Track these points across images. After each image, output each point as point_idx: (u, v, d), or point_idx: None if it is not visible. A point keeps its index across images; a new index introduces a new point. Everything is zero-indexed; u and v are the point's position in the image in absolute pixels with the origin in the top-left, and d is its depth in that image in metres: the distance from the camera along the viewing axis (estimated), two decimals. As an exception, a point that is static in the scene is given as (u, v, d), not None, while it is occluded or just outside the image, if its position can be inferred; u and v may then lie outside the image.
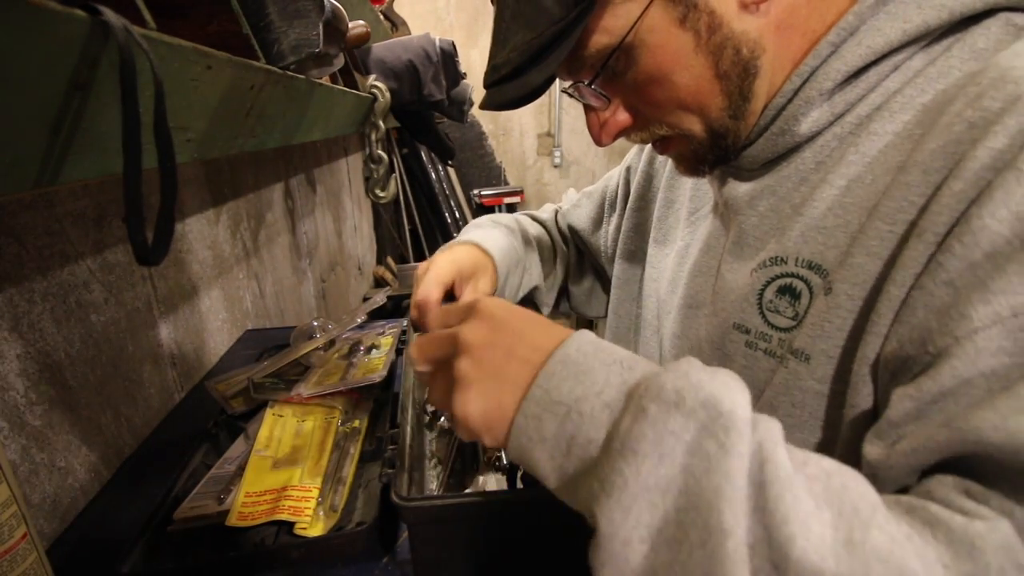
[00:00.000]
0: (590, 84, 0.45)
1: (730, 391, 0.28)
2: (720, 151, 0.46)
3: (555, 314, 0.82)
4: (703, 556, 0.25)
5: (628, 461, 0.28)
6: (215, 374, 0.88)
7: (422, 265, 0.63)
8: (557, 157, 3.66)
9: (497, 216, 0.78)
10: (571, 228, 0.82)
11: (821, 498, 0.27)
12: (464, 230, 0.73)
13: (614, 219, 0.74)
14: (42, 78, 0.24)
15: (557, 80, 0.46)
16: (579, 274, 0.82)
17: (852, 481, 0.28)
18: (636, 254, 0.70)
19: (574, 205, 0.82)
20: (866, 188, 0.39)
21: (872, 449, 0.33)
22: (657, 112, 0.45)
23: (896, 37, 0.38)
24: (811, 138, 0.44)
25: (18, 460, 0.56)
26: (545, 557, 0.54)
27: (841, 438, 0.39)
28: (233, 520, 0.54)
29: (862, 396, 0.38)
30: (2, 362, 0.55)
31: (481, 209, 3.60)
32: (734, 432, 0.27)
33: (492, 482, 0.66)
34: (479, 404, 0.34)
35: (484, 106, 0.47)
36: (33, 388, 0.58)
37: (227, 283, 1.09)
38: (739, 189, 0.49)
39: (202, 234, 0.99)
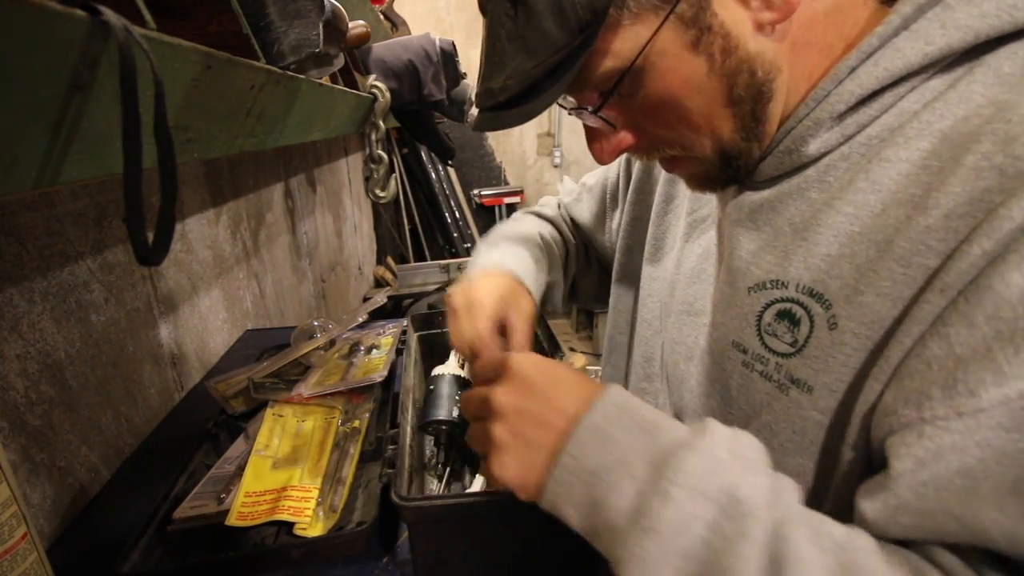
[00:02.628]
0: (596, 111, 0.42)
1: (749, 474, 0.32)
2: (732, 171, 0.44)
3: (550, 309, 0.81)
4: None
5: (652, 538, 0.31)
6: (215, 374, 0.88)
7: (457, 297, 0.60)
8: (557, 157, 3.66)
9: (509, 229, 0.75)
10: (574, 221, 0.81)
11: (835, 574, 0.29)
12: (483, 251, 0.70)
13: (617, 214, 0.72)
14: (42, 78, 0.24)
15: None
16: (586, 267, 0.81)
17: (863, 555, 0.30)
18: (635, 249, 0.68)
19: (575, 199, 0.80)
20: (875, 218, 0.37)
21: (870, 506, 0.33)
22: (666, 133, 0.43)
23: (916, 59, 0.36)
24: (818, 158, 0.42)
25: (18, 460, 0.56)
26: (545, 557, 0.54)
27: (839, 470, 0.39)
28: (233, 520, 0.54)
29: (858, 435, 0.38)
30: (2, 362, 0.55)
31: (481, 209, 3.60)
32: (751, 519, 0.30)
33: (492, 482, 0.66)
34: (513, 468, 0.38)
35: (477, 128, 0.44)
36: (33, 388, 0.58)
37: (227, 283, 1.09)
38: (738, 200, 0.48)
39: (202, 234, 0.99)
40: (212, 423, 0.72)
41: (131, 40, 0.26)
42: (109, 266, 0.72)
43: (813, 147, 0.41)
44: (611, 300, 0.72)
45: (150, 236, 0.29)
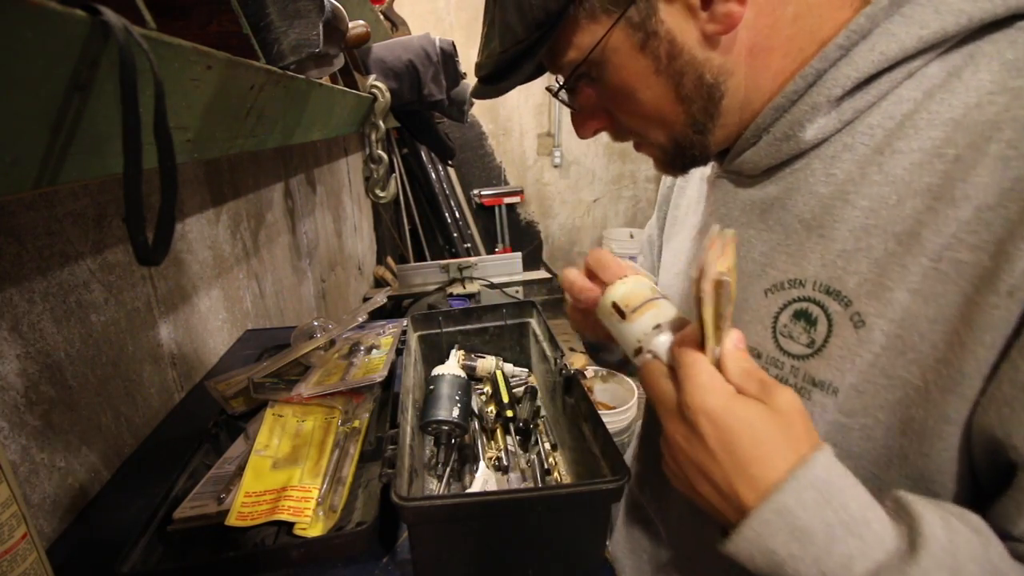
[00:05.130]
0: (558, 92, 0.48)
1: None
2: (687, 159, 0.47)
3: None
4: None
5: None
6: (215, 374, 0.88)
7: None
8: (557, 157, 3.66)
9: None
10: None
11: None
12: None
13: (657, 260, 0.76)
14: (42, 78, 0.24)
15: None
16: None
17: None
18: (654, 269, 0.70)
19: (641, 255, 0.84)
20: (891, 210, 0.37)
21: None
22: (627, 120, 0.47)
23: (912, 44, 0.36)
24: (817, 145, 0.42)
25: (18, 460, 0.56)
26: (545, 557, 0.54)
27: (860, 475, 0.37)
28: (233, 520, 0.54)
29: (885, 436, 0.37)
30: (2, 362, 0.55)
31: (481, 209, 3.60)
32: None
33: (492, 482, 0.66)
34: (707, 493, 0.35)
35: (472, 94, 0.50)
36: (33, 388, 0.58)
37: (227, 283, 1.09)
38: (741, 197, 0.48)
39: (202, 234, 0.99)
40: (212, 423, 0.72)
41: (131, 40, 0.26)
42: (109, 266, 0.72)
43: (810, 133, 0.41)
44: None
45: (150, 236, 0.29)
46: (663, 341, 0.39)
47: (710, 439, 0.34)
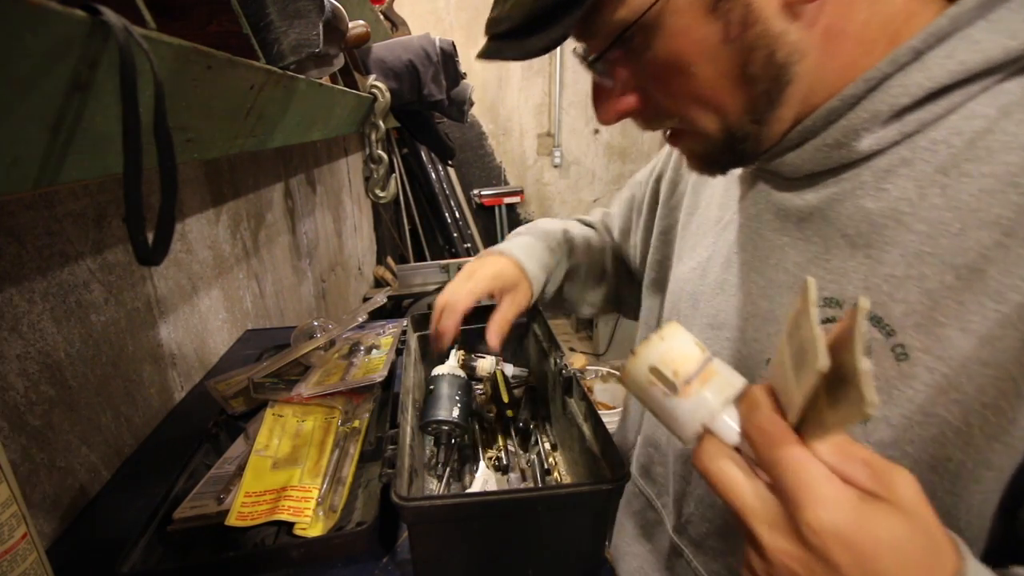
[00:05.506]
0: (596, 60, 0.39)
1: None
2: (736, 154, 0.41)
3: (555, 311, 0.82)
4: None
5: None
6: (215, 374, 0.88)
7: (468, 266, 0.66)
8: (557, 157, 3.66)
9: (539, 225, 0.77)
10: (612, 236, 0.81)
11: None
12: (510, 236, 0.75)
13: (640, 228, 0.72)
14: (42, 78, 0.24)
15: (559, 60, 0.42)
16: (629, 279, 0.81)
17: None
18: (663, 263, 0.66)
19: (614, 211, 0.81)
20: (952, 239, 0.33)
21: None
22: (670, 102, 0.40)
23: (997, 55, 0.32)
24: (870, 156, 0.38)
25: (18, 460, 0.56)
26: (545, 557, 0.54)
27: None
28: (233, 520, 0.54)
29: (959, 487, 0.34)
30: (2, 362, 0.55)
31: (481, 209, 3.60)
32: None
33: (492, 482, 0.66)
34: None
35: (481, 56, 0.42)
36: (33, 388, 0.58)
37: (227, 283, 1.09)
38: (775, 199, 0.44)
39: (202, 234, 0.99)
40: (212, 423, 0.72)
41: (131, 40, 0.26)
42: (109, 266, 0.72)
43: (866, 143, 0.37)
44: (641, 315, 0.71)
45: (150, 236, 0.29)
46: (733, 426, 0.30)
47: (847, 568, 0.25)
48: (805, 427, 0.27)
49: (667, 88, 0.39)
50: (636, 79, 0.40)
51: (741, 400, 0.31)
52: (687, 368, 0.31)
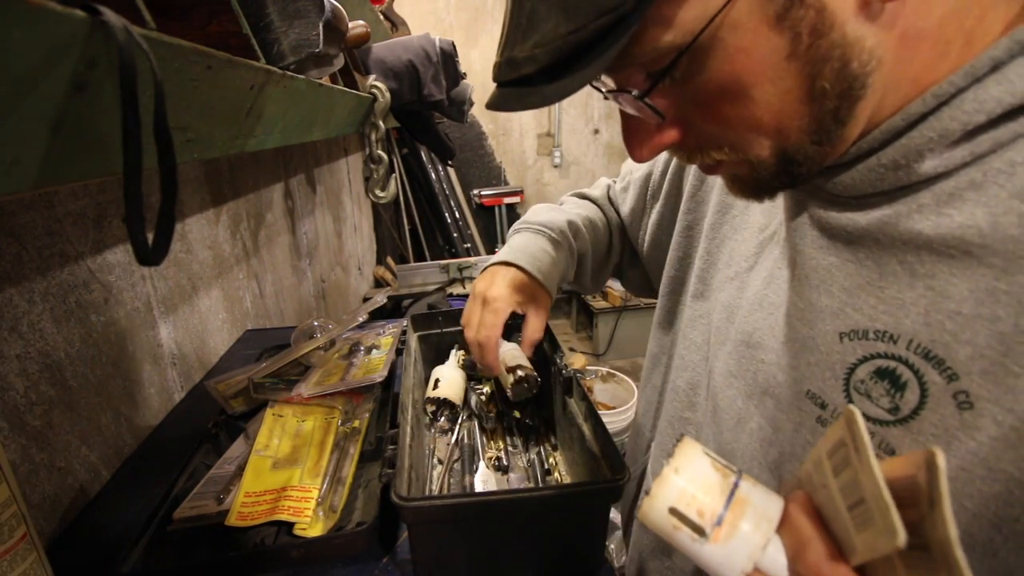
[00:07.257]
0: (643, 97, 0.34)
1: None
2: (788, 178, 0.36)
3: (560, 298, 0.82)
4: None
5: None
6: (215, 374, 0.88)
7: (480, 286, 0.65)
8: (557, 157, 3.66)
9: (542, 215, 0.73)
10: (619, 213, 0.76)
11: None
12: (510, 239, 0.72)
13: (655, 215, 0.67)
14: (42, 78, 0.24)
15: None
16: (633, 257, 0.77)
17: None
18: (684, 261, 0.61)
19: (623, 188, 0.75)
20: None
21: None
22: (720, 132, 0.35)
23: None
24: (932, 177, 0.33)
25: (18, 460, 0.56)
26: (545, 557, 0.54)
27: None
28: (233, 520, 0.54)
29: (965, 533, 0.31)
30: (2, 362, 0.55)
31: (481, 209, 3.60)
32: None
33: (492, 482, 0.66)
34: None
35: (493, 105, 0.36)
36: (33, 388, 0.58)
37: (227, 283, 1.09)
38: (820, 215, 0.39)
39: (202, 234, 0.99)
40: (212, 423, 0.72)
41: (131, 40, 0.26)
42: (109, 266, 0.72)
43: (929, 165, 0.32)
44: (656, 313, 0.67)
45: (150, 236, 0.29)
46: (780, 560, 0.27)
47: None
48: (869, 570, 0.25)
49: (717, 116, 0.34)
50: (676, 108, 0.35)
51: (783, 528, 0.27)
52: (713, 505, 0.27)
